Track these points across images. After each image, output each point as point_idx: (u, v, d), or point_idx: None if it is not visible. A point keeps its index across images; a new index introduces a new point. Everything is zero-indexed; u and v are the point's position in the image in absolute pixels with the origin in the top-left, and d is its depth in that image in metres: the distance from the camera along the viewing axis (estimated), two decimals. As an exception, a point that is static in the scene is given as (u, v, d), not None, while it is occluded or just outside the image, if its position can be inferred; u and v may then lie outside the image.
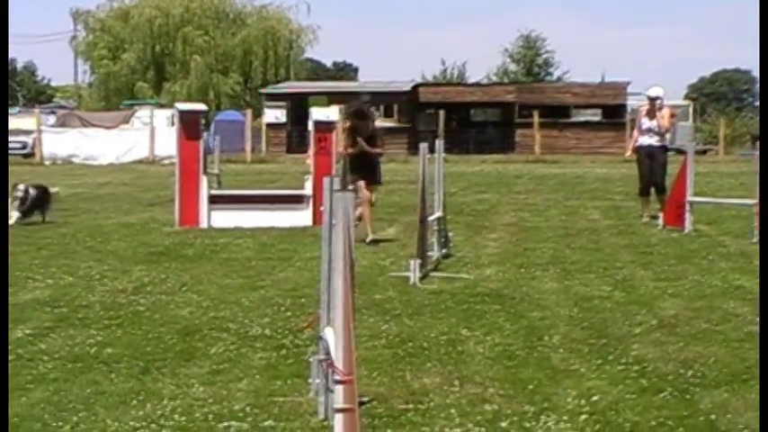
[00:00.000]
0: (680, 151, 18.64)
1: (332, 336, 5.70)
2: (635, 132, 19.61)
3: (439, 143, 14.22)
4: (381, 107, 59.83)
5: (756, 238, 15.28)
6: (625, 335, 8.95)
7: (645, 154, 18.99)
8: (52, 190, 18.97)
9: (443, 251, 13.77)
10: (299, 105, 55.63)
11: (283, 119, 57.71)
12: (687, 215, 16.97)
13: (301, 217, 17.72)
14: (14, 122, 50.04)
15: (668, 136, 19.51)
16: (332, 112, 20.06)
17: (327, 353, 6.03)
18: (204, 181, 18.03)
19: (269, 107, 58.34)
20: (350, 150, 15.77)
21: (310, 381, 6.80)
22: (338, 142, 17.63)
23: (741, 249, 14.77)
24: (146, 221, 18.67)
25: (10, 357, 7.96)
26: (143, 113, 50.56)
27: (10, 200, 17.59)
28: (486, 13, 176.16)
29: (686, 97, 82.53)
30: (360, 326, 8.75)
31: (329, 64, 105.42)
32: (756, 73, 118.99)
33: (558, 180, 33.24)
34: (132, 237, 16.20)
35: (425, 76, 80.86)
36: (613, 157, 46.37)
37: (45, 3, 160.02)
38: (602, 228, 18.09)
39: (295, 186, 20.28)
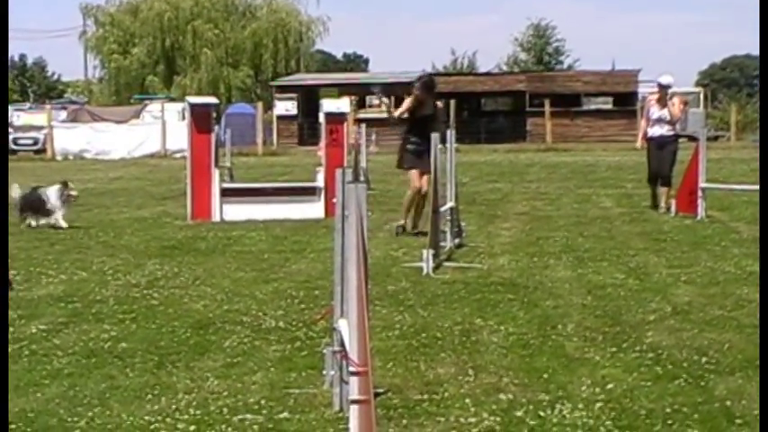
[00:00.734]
0: (692, 138, 18.48)
1: (346, 327, 5.70)
2: (643, 122, 19.30)
3: (450, 133, 14.21)
4: (392, 98, 59.84)
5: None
6: (639, 322, 8.94)
7: (656, 145, 18.63)
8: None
9: (456, 241, 13.76)
10: (309, 97, 55.69)
11: (294, 111, 57.74)
12: (700, 202, 16.95)
13: (314, 209, 17.72)
14: (25, 119, 50.31)
15: (678, 125, 19.13)
16: (343, 104, 20.08)
17: (342, 344, 6.04)
18: (216, 174, 18.02)
19: (280, 99, 58.35)
20: (399, 113, 15.35)
21: (325, 372, 6.80)
22: (349, 133, 17.60)
23: (754, 235, 14.70)
24: (158, 215, 18.69)
25: (24, 353, 7.99)
26: (154, 107, 50.68)
27: (62, 200, 16.70)
28: (496, 2, 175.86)
29: (697, 84, 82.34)
30: (373, 317, 8.75)
31: (339, 55, 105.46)
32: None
33: (569, 168, 33.19)
34: (145, 231, 16.22)
35: (436, 67, 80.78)
36: (625, 144, 46.25)
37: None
38: (614, 216, 18.06)
39: (307, 178, 20.30)
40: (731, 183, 22.20)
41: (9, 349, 7.87)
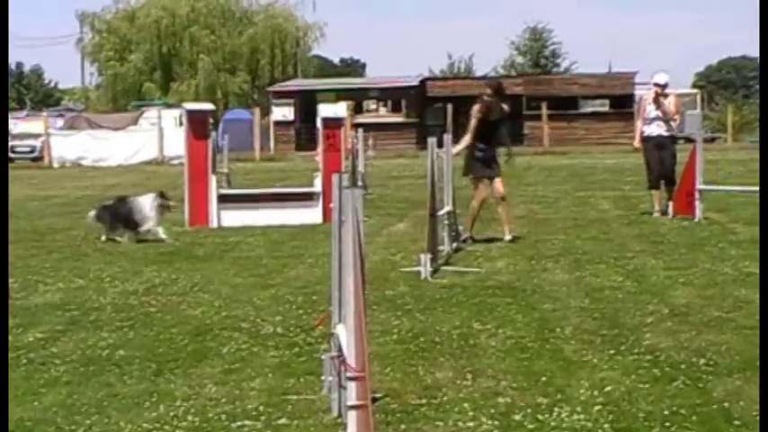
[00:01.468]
0: (689, 140, 18.35)
1: (344, 332, 5.70)
2: (638, 122, 18.92)
3: (447, 137, 14.21)
4: (389, 102, 59.91)
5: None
6: (637, 325, 8.94)
7: (654, 145, 18.24)
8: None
9: (454, 245, 13.77)
10: (307, 103, 55.65)
11: (291, 116, 57.72)
12: (697, 203, 16.94)
13: (311, 214, 17.71)
14: (22, 126, 50.24)
15: (673, 124, 18.56)
16: (340, 109, 20.07)
17: (339, 350, 6.03)
18: (213, 180, 18.03)
19: (277, 105, 58.34)
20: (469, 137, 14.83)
21: (323, 378, 6.80)
22: (346, 138, 17.56)
23: (752, 236, 14.71)
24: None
25: (22, 362, 7.98)
26: (151, 114, 50.59)
27: (157, 210, 15.82)
28: (492, 5, 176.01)
29: (694, 85, 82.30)
30: (371, 322, 8.75)
31: (336, 60, 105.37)
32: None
33: (567, 171, 33.19)
34: (142, 238, 16.18)
35: (432, 70, 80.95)
36: (622, 147, 46.27)
37: (50, 6, 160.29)
38: (612, 218, 18.07)
39: (305, 184, 20.29)
40: (728, 184, 22.19)
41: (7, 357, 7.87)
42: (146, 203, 15.83)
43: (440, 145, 13.50)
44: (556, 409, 6.50)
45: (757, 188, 16.72)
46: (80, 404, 6.82)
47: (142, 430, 6.31)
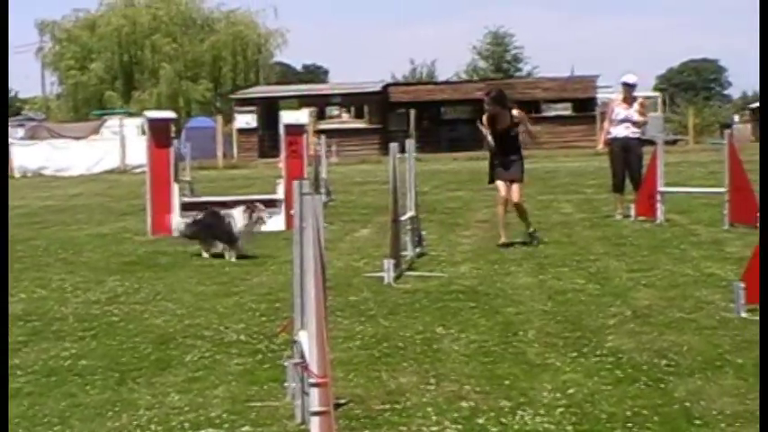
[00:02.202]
0: (650, 142, 18.34)
1: (306, 339, 5.70)
2: (605, 124, 18.63)
3: (409, 142, 14.23)
4: (352, 108, 59.95)
5: (727, 226, 15.43)
6: (600, 327, 8.98)
7: (620, 147, 18.10)
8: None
9: (417, 250, 13.78)
10: (269, 110, 55.64)
11: (254, 124, 57.67)
12: (659, 205, 17.04)
13: (274, 221, 17.67)
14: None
15: (642, 127, 18.29)
16: (302, 116, 20.06)
17: (302, 356, 6.03)
18: (176, 188, 17.97)
19: (239, 112, 58.26)
20: (488, 138, 15.02)
21: (286, 385, 6.80)
22: (309, 145, 17.56)
23: (713, 237, 14.85)
24: (118, 231, 18.60)
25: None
26: (113, 123, 50.46)
27: (250, 223, 14.52)
28: (454, 10, 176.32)
29: (655, 88, 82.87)
30: (335, 327, 8.77)
31: (299, 67, 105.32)
32: (724, 63, 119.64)
33: (530, 175, 32.87)
34: (105, 247, 16.14)
35: (395, 76, 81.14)
36: (585, 150, 46.50)
37: (10, 15, 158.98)
38: (575, 221, 18.15)
39: (267, 191, 20.26)
40: (690, 186, 22.33)
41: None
42: (239, 218, 14.52)
43: (402, 150, 13.50)
44: (519, 412, 6.52)
45: (718, 189, 16.83)
46: (42, 415, 6.78)
47: (105, 440, 6.28)
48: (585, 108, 57.78)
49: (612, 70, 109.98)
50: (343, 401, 6.73)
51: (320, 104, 58.66)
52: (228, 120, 56.99)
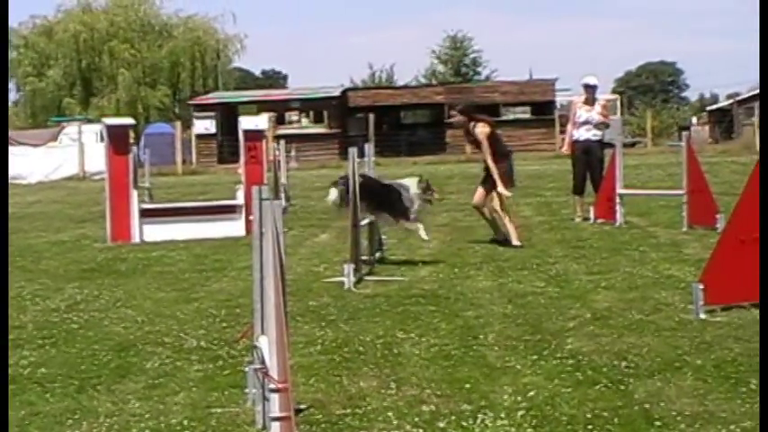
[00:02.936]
0: (609, 144, 18.42)
1: (266, 344, 5.69)
2: (569, 126, 18.72)
3: (368, 147, 14.24)
4: (311, 113, 59.94)
5: (686, 228, 15.55)
6: (559, 329, 9.01)
7: (581, 150, 18.21)
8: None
9: (377, 255, 13.78)
10: (228, 115, 55.59)
11: (213, 129, 57.57)
12: (618, 208, 17.13)
13: (234, 227, 17.65)
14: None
15: (603, 129, 18.35)
16: (261, 121, 20.04)
17: (262, 362, 6.02)
18: (135, 195, 17.89)
19: (198, 118, 58.17)
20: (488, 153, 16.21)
21: (247, 390, 6.78)
22: (268, 150, 17.54)
23: (671, 239, 14.95)
24: (77, 238, 18.50)
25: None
26: (71, 130, 50.20)
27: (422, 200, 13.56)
28: (413, 15, 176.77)
29: (613, 91, 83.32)
30: (295, 333, 8.75)
31: (258, 72, 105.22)
32: (681, 65, 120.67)
33: (489, 179, 33.27)
34: (64, 254, 16.05)
35: (354, 81, 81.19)
36: (544, 153, 46.72)
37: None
38: (534, 224, 18.23)
39: (227, 197, 20.22)
40: (649, 188, 22.46)
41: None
42: (413, 190, 13.33)
43: (361, 155, 13.50)
44: (480, 415, 6.53)
45: (676, 191, 16.94)
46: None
47: (65, 448, 6.25)
48: (544, 111, 58.07)
49: (570, 73, 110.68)
50: (303, 407, 6.72)
51: (279, 110, 58.61)
52: (187, 126, 56.83)
